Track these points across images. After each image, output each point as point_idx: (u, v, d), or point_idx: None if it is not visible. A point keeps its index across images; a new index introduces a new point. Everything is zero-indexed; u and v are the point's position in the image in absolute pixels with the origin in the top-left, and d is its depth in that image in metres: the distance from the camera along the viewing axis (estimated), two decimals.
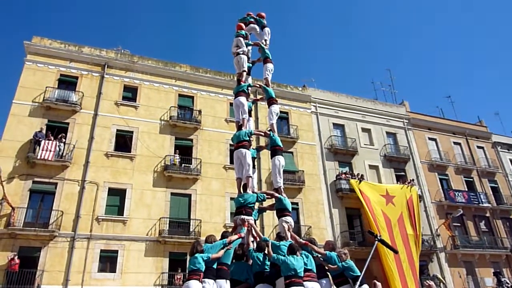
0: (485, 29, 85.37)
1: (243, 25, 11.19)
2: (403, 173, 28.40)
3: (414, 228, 24.16)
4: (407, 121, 31.25)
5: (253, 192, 8.13)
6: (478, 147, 33.19)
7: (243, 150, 8.37)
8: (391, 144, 29.47)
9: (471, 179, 30.94)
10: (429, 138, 31.43)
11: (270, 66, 10.56)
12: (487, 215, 29.72)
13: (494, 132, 34.97)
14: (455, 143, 32.32)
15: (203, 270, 6.21)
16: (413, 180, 27.37)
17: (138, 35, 76.66)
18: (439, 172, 29.97)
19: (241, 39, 10.60)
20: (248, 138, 8.62)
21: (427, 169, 29.58)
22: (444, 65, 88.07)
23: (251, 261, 7.02)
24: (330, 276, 7.17)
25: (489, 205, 29.57)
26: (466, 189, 29.87)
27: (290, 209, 8.11)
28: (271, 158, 8.99)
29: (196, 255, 6.31)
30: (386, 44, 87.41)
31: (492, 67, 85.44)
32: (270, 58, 10.71)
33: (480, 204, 29.04)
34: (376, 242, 5.62)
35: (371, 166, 27.62)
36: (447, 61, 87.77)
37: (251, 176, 8.25)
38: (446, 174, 30.18)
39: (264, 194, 8.35)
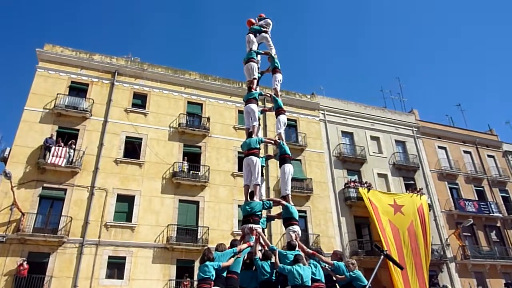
0: (496, 37, 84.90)
1: (253, 20, 11.30)
2: (412, 182, 28.16)
3: (424, 238, 23.89)
4: (416, 129, 31.06)
5: (260, 200, 8.10)
6: (489, 156, 32.82)
7: (254, 158, 8.37)
8: (400, 152, 29.29)
9: (482, 188, 30.58)
10: (439, 147, 31.18)
11: (279, 76, 10.58)
12: (498, 225, 29.31)
13: (505, 141, 34.57)
14: (465, 151, 32.01)
15: (213, 278, 6.21)
16: (421, 189, 27.12)
17: (148, 43, 77.46)
18: (449, 181, 29.67)
19: (251, 35, 10.78)
20: (258, 146, 8.64)
21: (437, 178, 29.30)
22: (454, 73, 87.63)
23: None
24: (338, 286, 7.13)
25: (500, 214, 29.18)
26: (477, 199, 29.51)
27: (297, 218, 8.07)
28: (280, 166, 8.97)
29: (207, 263, 6.30)
30: (395, 52, 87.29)
31: (502, 75, 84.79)
32: (279, 68, 10.73)
33: (491, 214, 28.65)
34: (382, 257, 5.60)
35: (380, 175, 27.44)
36: (456, 69, 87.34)
37: (259, 184, 8.23)
38: (456, 183, 29.87)
39: (271, 202, 8.34)
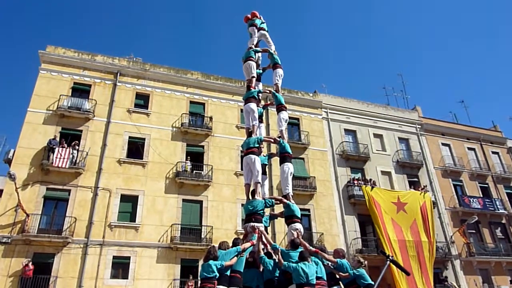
0: (499, 32, 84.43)
1: (256, 12, 11.28)
2: (416, 179, 28.04)
3: (428, 235, 23.75)
4: (419, 126, 30.92)
5: (262, 198, 8.08)
6: (493, 152, 32.63)
7: (252, 156, 8.31)
8: (403, 149, 29.17)
9: (486, 185, 30.40)
10: (443, 144, 31.02)
11: (280, 71, 10.46)
12: (503, 221, 29.15)
13: (509, 137, 34.36)
14: (469, 148, 31.82)
15: (216, 278, 6.18)
16: (425, 186, 27.02)
17: (150, 43, 77.57)
18: (453, 178, 29.54)
19: (255, 28, 10.84)
20: (257, 145, 8.58)
21: (441, 175, 29.17)
22: (457, 69, 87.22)
23: (262, 268, 6.98)
24: (342, 284, 7.10)
25: (505, 211, 28.99)
26: (481, 195, 29.34)
27: (299, 215, 8.02)
28: (280, 165, 8.93)
29: (210, 262, 6.26)
30: (398, 48, 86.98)
31: (506, 71, 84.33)
32: (280, 63, 10.66)
33: (496, 211, 28.48)
34: (388, 262, 5.54)
35: (383, 172, 27.35)
36: (460, 65, 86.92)
37: (259, 182, 8.18)
38: (460, 180, 29.72)
39: (273, 200, 8.32)
